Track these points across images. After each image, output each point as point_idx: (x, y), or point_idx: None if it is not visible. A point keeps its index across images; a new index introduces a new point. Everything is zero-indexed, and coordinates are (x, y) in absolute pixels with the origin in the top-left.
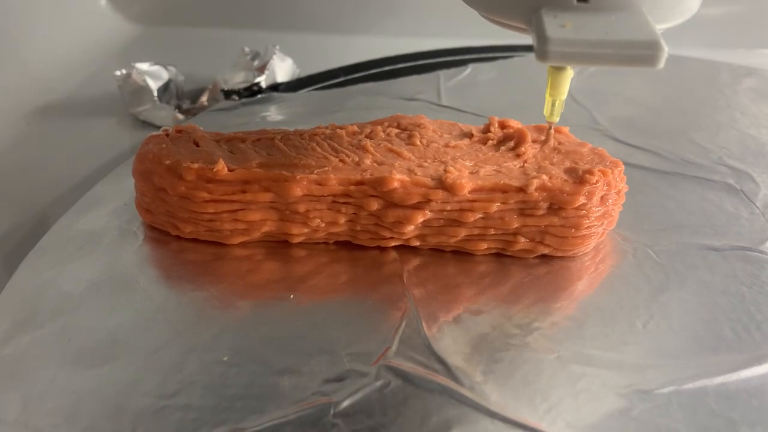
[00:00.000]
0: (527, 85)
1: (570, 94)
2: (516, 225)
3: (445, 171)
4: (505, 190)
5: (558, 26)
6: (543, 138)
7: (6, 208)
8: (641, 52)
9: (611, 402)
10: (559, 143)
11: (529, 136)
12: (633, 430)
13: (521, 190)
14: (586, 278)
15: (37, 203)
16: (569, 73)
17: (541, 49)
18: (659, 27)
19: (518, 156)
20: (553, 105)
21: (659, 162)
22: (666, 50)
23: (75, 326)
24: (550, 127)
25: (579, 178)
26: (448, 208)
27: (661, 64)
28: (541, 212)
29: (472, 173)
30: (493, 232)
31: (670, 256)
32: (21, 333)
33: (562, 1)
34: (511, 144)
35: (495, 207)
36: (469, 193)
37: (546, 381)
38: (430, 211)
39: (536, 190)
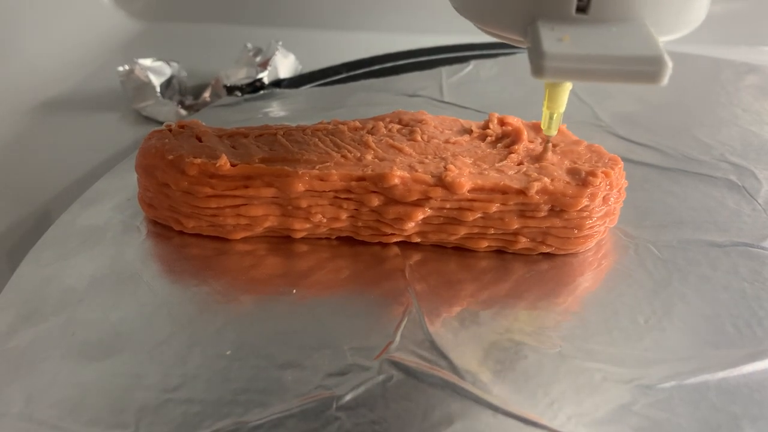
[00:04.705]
0: (529, 81)
1: (572, 89)
2: (516, 226)
3: (445, 168)
4: (504, 191)
5: (555, 40)
6: (540, 137)
7: (9, 203)
8: (643, 68)
9: (613, 396)
10: (554, 144)
11: (525, 135)
12: (635, 425)
13: (521, 192)
14: (588, 274)
15: (41, 198)
16: (567, 86)
17: (537, 64)
18: (663, 39)
19: (511, 153)
20: (550, 118)
21: (661, 158)
22: (670, 66)
23: (78, 320)
24: (547, 141)
25: (582, 180)
26: (448, 206)
27: (665, 80)
28: (542, 214)
29: (471, 172)
30: (493, 232)
31: (672, 252)
32: (25, 326)
33: (559, 12)
34: (508, 142)
35: (494, 207)
36: (469, 192)
37: (548, 375)
38: (430, 208)
39: (537, 193)
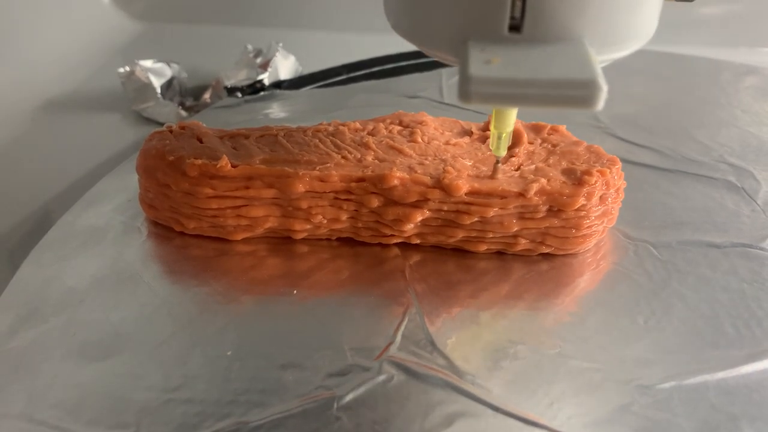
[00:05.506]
0: None
1: None
2: (516, 228)
3: (444, 170)
4: (503, 195)
5: (483, 62)
6: (540, 138)
7: (10, 204)
8: (575, 93)
9: (612, 397)
10: (554, 145)
11: (525, 137)
12: (634, 425)
13: (520, 195)
14: (587, 275)
15: (41, 199)
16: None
17: (462, 89)
18: (607, 58)
19: (512, 156)
20: (499, 139)
21: (660, 159)
22: (604, 90)
23: (79, 320)
24: (497, 161)
25: (578, 179)
26: (445, 208)
27: (599, 105)
28: (540, 215)
29: (470, 174)
30: (491, 236)
31: (671, 253)
32: (25, 327)
33: (491, 32)
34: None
35: (492, 212)
36: (466, 195)
37: (548, 376)
38: (429, 210)
39: (536, 194)
